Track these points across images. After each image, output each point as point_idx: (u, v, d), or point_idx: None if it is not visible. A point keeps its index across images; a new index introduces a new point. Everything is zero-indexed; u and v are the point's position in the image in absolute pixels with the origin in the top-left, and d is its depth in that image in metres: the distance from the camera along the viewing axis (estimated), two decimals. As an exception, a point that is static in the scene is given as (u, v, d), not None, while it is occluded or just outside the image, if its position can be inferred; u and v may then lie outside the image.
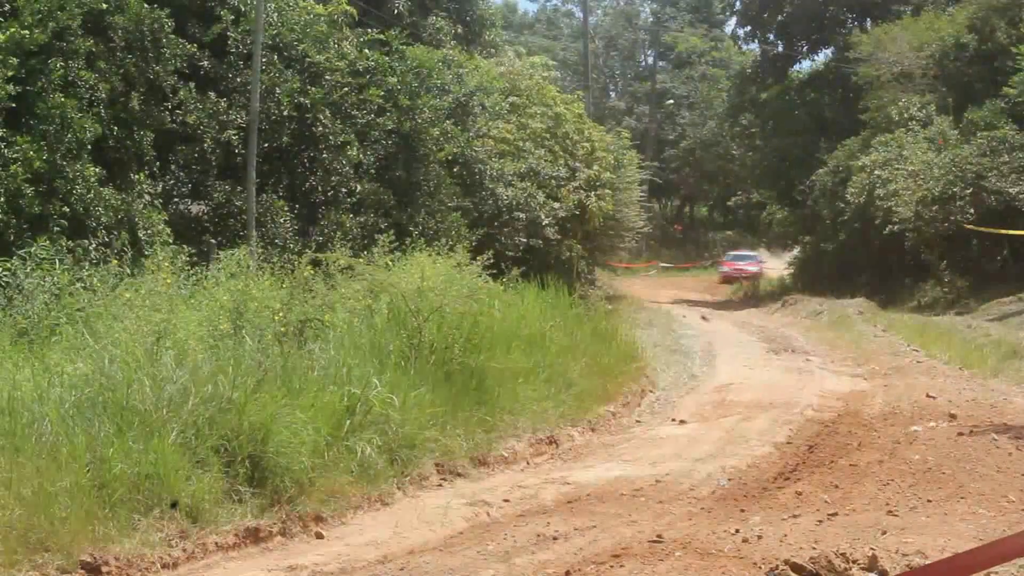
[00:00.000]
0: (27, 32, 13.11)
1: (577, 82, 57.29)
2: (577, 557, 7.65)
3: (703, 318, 31.56)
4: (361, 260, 13.74)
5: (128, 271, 11.45)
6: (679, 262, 60.81)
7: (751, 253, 54.07)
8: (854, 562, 6.97)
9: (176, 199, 17.18)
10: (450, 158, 21.08)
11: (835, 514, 8.67)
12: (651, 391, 16.60)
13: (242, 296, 11.05)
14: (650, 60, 70.99)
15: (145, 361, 8.81)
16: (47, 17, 13.53)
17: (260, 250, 15.23)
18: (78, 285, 10.96)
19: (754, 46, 52.98)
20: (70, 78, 13.77)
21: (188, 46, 16.20)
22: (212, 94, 17.13)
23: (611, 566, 7.27)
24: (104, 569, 7.09)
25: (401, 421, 10.26)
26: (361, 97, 19.03)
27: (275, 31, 18.37)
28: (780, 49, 50.08)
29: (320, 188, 18.26)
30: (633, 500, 9.65)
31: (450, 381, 11.68)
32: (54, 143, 13.31)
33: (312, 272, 12.80)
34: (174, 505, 7.88)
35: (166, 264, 11.27)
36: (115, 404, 8.28)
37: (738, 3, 52.65)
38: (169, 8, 15.95)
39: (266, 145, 17.70)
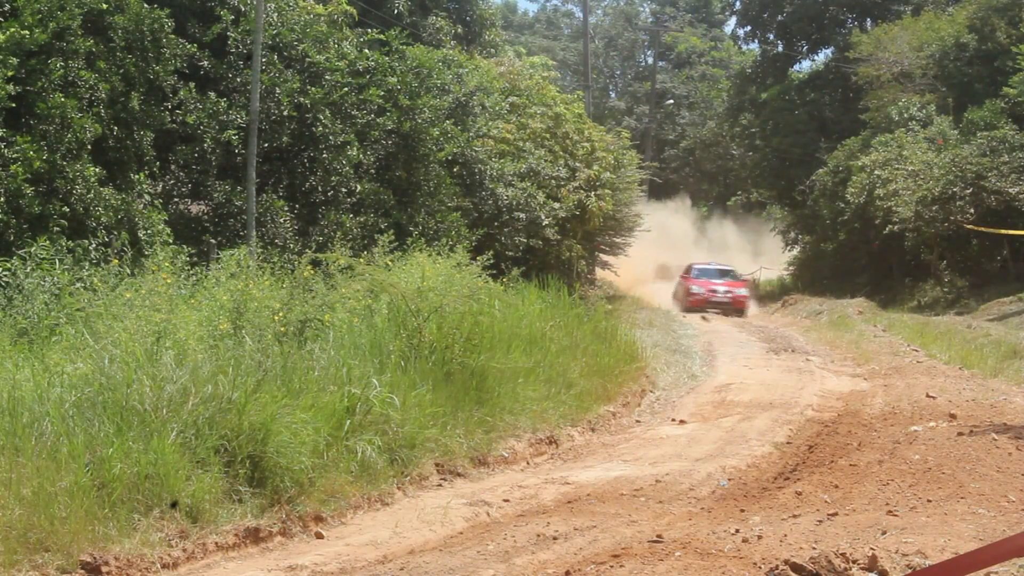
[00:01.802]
0: (27, 32, 13.11)
1: (577, 82, 57.32)
2: (577, 557, 7.65)
3: (703, 318, 31.57)
4: (361, 260, 13.74)
5: (128, 271, 11.45)
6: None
7: (728, 267, 38.32)
8: (854, 562, 6.97)
9: (176, 199, 17.18)
10: (450, 158, 21.08)
11: (835, 514, 8.67)
12: (651, 391, 16.60)
13: (242, 296, 11.05)
14: (650, 60, 70.98)
15: (145, 361, 8.81)
16: (47, 17, 13.53)
17: (260, 250, 15.23)
18: (78, 285, 10.96)
19: (754, 46, 53.08)
20: (70, 78, 13.77)
21: (188, 46, 16.20)
22: (212, 94, 17.13)
23: (611, 566, 7.27)
24: (104, 569, 7.09)
25: (401, 421, 10.27)
26: (361, 97, 19.02)
27: (275, 31, 18.37)
28: (780, 49, 50.14)
29: (320, 188, 18.25)
30: (633, 500, 9.65)
31: (450, 381, 11.68)
32: (54, 143, 13.31)
33: (312, 272, 12.80)
34: (174, 505, 7.88)
35: (166, 264, 11.27)
36: (115, 404, 8.28)
37: (738, 3, 52.76)
38: (169, 8, 15.95)
39: (266, 145, 17.70)
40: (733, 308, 34.56)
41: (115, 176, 14.64)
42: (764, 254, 48.87)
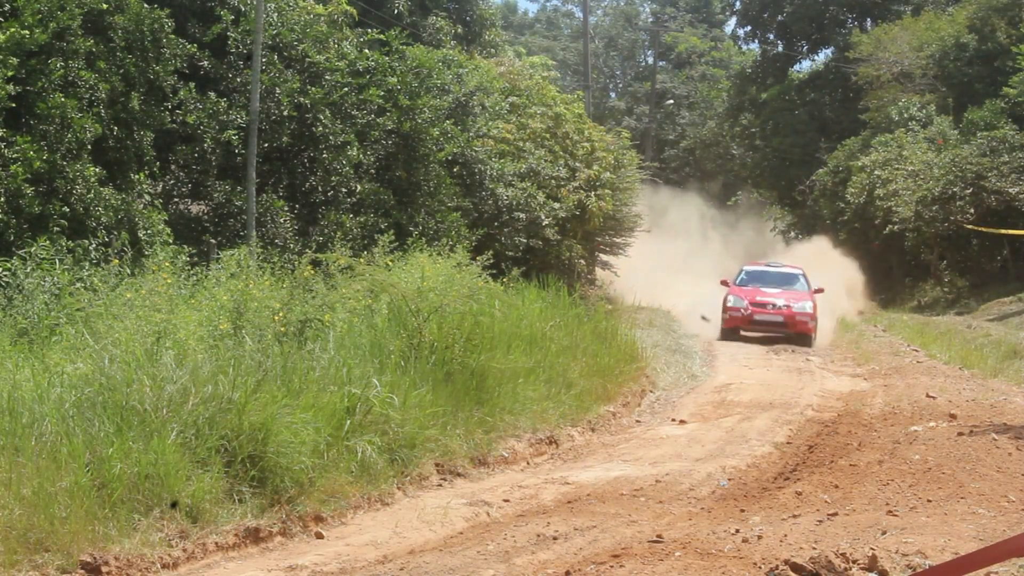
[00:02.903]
0: (27, 32, 13.11)
1: (577, 82, 57.26)
2: (577, 557, 7.65)
3: (703, 318, 31.51)
4: (361, 260, 13.74)
5: (128, 271, 11.45)
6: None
7: (794, 270, 26.71)
8: (854, 562, 6.97)
9: (176, 199, 17.18)
10: (450, 158, 21.07)
11: (835, 514, 8.67)
12: (651, 391, 16.60)
13: (242, 296, 11.05)
14: (650, 60, 70.96)
15: (145, 361, 8.81)
16: (47, 17, 13.53)
17: (260, 250, 15.22)
18: (78, 285, 10.96)
19: (754, 46, 53.11)
20: (70, 78, 13.77)
21: (188, 46, 16.19)
22: (212, 94, 17.13)
23: (611, 566, 7.27)
24: (104, 569, 7.09)
25: (401, 421, 10.27)
26: (361, 97, 19.02)
27: (275, 31, 18.36)
28: (780, 49, 50.18)
29: (320, 188, 18.25)
30: (633, 500, 9.65)
31: (450, 381, 11.68)
32: (54, 143, 13.31)
33: (312, 272, 12.80)
34: (174, 505, 7.88)
35: (166, 264, 11.27)
36: (115, 404, 8.28)
37: (738, 3, 52.81)
38: (169, 8, 15.94)
39: (266, 145, 17.70)
40: (788, 331, 23.57)
41: (115, 176, 14.64)
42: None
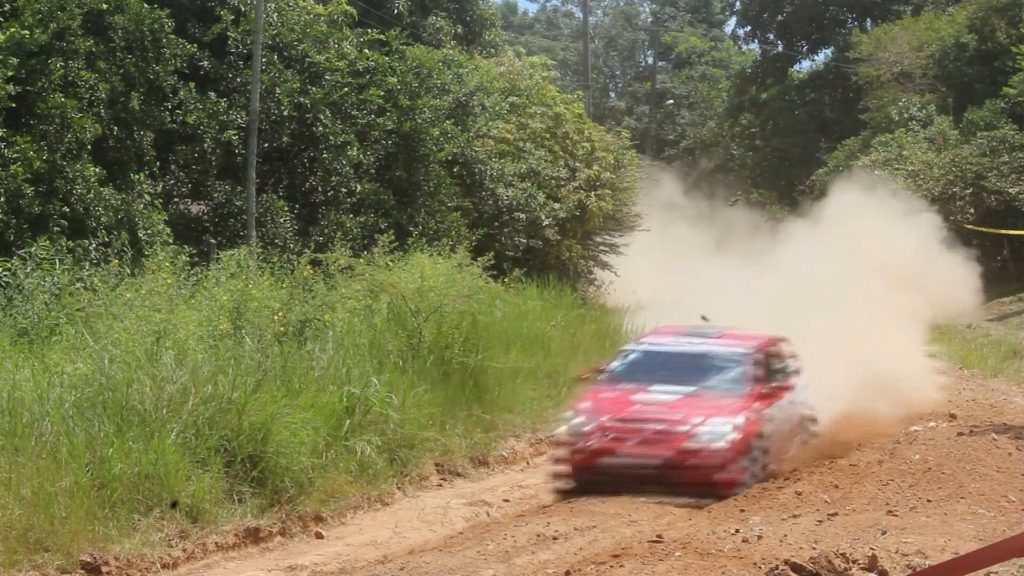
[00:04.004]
0: (27, 32, 13.11)
1: (577, 82, 57.22)
2: (577, 557, 7.65)
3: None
4: (361, 260, 13.74)
5: (128, 271, 11.45)
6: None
7: (735, 347, 11.96)
8: (854, 562, 6.97)
9: (176, 199, 17.17)
10: (450, 158, 21.05)
11: (835, 514, 8.67)
12: (651, 391, 16.55)
13: (242, 296, 11.05)
14: (650, 60, 70.93)
15: (145, 361, 8.81)
16: (47, 17, 13.52)
17: (260, 250, 15.21)
18: (78, 285, 10.96)
19: (754, 46, 53.08)
20: (70, 78, 13.76)
21: (188, 46, 16.19)
22: (212, 94, 17.12)
23: (611, 566, 7.27)
24: (104, 569, 7.10)
25: (400, 421, 10.27)
26: (361, 97, 19.01)
27: (275, 31, 18.35)
28: (780, 49, 50.17)
29: (320, 188, 18.25)
30: (633, 500, 9.65)
31: (450, 381, 11.68)
32: (54, 143, 13.31)
33: (312, 272, 12.80)
34: (174, 505, 7.89)
35: (166, 264, 11.28)
36: (115, 404, 8.29)
37: (738, 3, 52.80)
38: (169, 8, 15.94)
39: (266, 145, 17.69)
40: (673, 481, 10.08)
41: (115, 176, 14.63)
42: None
